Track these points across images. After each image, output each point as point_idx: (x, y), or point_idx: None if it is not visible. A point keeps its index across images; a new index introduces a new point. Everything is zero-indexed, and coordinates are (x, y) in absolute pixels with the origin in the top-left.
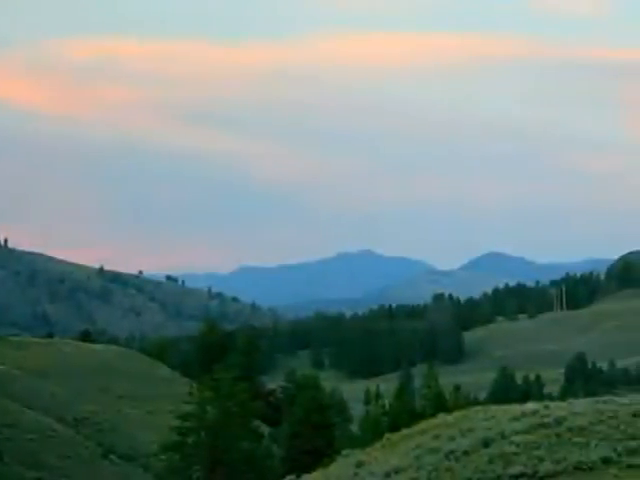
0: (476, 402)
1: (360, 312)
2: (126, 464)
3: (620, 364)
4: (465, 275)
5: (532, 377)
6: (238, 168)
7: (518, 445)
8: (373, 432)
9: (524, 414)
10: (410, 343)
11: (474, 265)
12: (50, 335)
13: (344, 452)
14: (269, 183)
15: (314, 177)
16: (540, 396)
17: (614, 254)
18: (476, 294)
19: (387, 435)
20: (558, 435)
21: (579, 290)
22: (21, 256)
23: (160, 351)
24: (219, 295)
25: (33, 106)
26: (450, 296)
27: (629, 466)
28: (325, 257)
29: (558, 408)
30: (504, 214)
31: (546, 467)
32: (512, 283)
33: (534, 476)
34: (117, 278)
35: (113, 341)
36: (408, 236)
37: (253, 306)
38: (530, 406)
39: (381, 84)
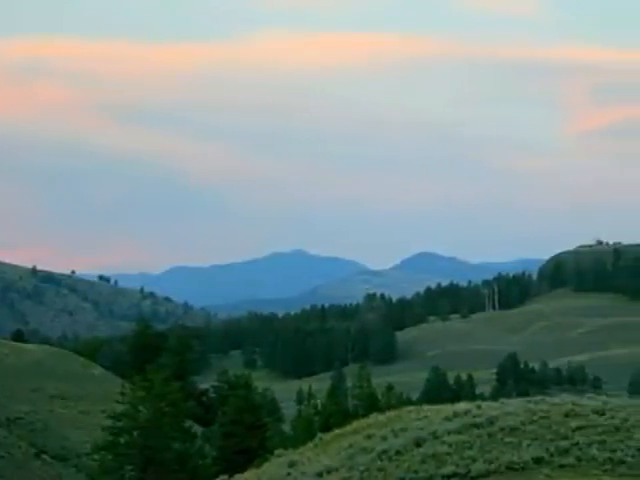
0: (408, 402)
1: (292, 312)
2: (59, 464)
3: (552, 364)
4: (397, 275)
5: (464, 377)
6: (171, 168)
7: (450, 445)
8: (305, 432)
9: (456, 414)
10: (342, 343)
11: (406, 265)
12: None
13: (276, 452)
14: (202, 183)
15: (247, 177)
16: (472, 396)
17: (545, 254)
18: (408, 294)
19: (319, 435)
20: (490, 435)
21: (511, 290)
22: None
23: (93, 351)
24: (152, 295)
25: None
26: (382, 296)
27: (561, 466)
28: (258, 257)
29: (490, 408)
30: (436, 214)
31: (478, 467)
32: (444, 283)
33: (466, 476)
34: (50, 278)
35: (46, 341)
36: (340, 236)
37: (186, 306)
38: (462, 406)
39: (310, 84)
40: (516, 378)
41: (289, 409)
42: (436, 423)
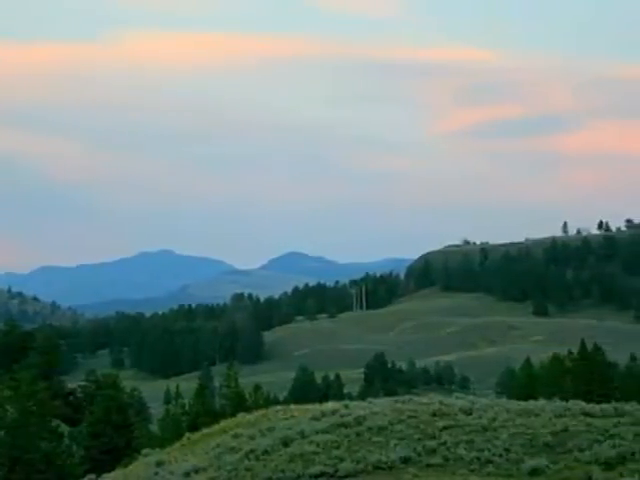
0: (276, 402)
1: (160, 312)
2: None
3: (420, 364)
4: (265, 275)
5: (332, 377)
6: (37, 168)
7: (318, 445)
8: (173, 432)
9: (324, 414)
10: (210, 342)
11: (274, 265)
12: None
13: (144, 452)
14: (69, 183)
15: (115, 176)
16: (340, 396)
17: (413, 254)
18: (276, 294)
19: (187, 434)
20: (358, 434)
21: (379, 290)
22: None
23: None
24: (19, 295)
25: None
26: (250, 296)
27: (428, 465)
28: (126, 257)
29: (358, 408)
30: (305, 214)
31: (346, 466)
32: (312, 283)
33: (334, 475)
34: None
35: None
36: (208, 236)
37: (53, 306)
38: (330, 406)
39: (178, 83)
40: (384, 378)
41: (157, 409)
42: (304, 423)
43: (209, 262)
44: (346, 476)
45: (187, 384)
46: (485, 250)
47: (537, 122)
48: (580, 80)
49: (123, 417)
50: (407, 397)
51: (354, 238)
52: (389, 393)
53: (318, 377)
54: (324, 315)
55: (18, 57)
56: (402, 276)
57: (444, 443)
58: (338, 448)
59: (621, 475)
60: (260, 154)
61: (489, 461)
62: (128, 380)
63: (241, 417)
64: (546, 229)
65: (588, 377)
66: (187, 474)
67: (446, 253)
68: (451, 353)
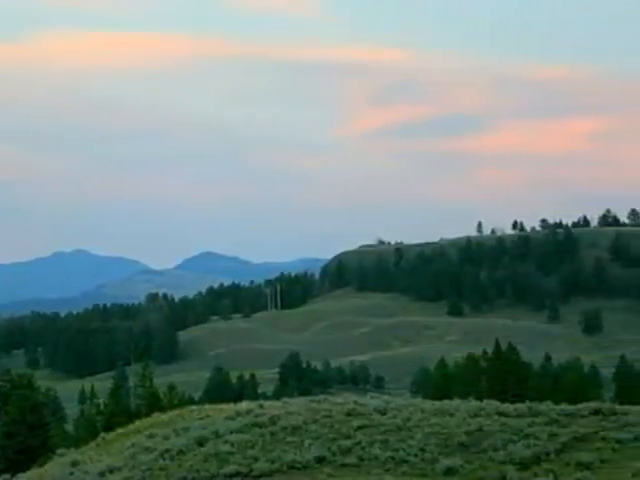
0: (191, 401)
1: (75, 312)
2: None
3: (335, 363)
4: (180, 274)
5: (247, 376)
6: None
7: (233, 444)
8: (88, 431)
9: (239, 413)
10: (125, 342)
11: (189, 264)
12: None
13: (59, 451)
14: None
15: (30, 176)
16: (255, 395)
17: (328, 254)
18: (191, 293)
19: (102, 434)
20: (273, 434)
21: (293, 290)
22: None
23: None
24: None
25: None
26: (165, 295)
27: (343, 465)
28: (40, 256)
29: (272, 407)
30: (219, 214)
31: (261, 466)
32: (227, 283)
33: (249, 475)
34: None
35: None
36: (123, 236)
37: None
38: (245, 405)
39: (95, 84)
40: (298, 377)
41: (72, 409)
42: (218, 422)
43: (124, 262)
44: (261, 476)
45: (102, 384)
46: (400, 250)
47: (450, 122)
48: (492, 80)
49: (38, 417)
50: (322, 397)
51: (269, 238)
52: (304, 393)
53: (233, 377)
54: (239, 315)
55: None
56: (317, 276)
57: (359, 443)
58: (253, 448)
59: (535, 475)
60: (176, 154)
61: (404, 461)
62: (43, 380)
63: (156, 417)
64: (461, 229)
65: (503, 377)
66: (102, 474)
67: (361, 253)
68: (366, 353)
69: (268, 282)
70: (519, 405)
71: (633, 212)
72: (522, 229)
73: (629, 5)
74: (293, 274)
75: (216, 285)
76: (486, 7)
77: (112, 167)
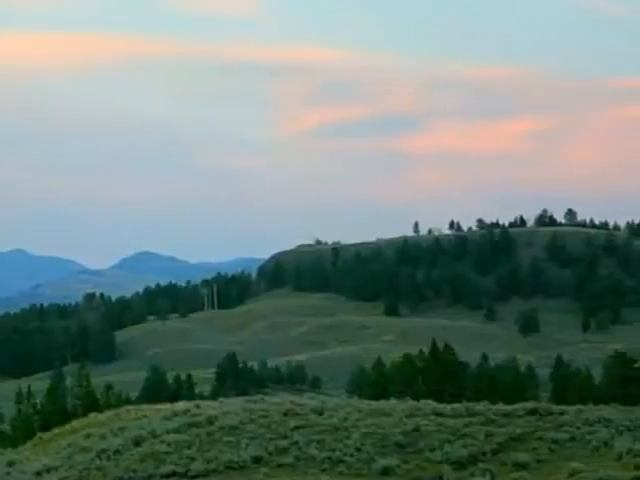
0: (128, 401)
1: (12, 312)
2: None
3: (271, 363)
4: (116, 274)
5: (183, 376)
6: None
7: (169, 444)
8: (25, 431)
9: (175, 413)
10: (62, 342)
11: (125, 264)
12: None
13: None
14: None
15: None
16: (191, 395)
17: (265, 253)
18: (128, 293)
19: (39, 434)
20: (209, 434)
21: (230, 290)
22: None
23: None
24: None
25: None
26: (102, 295)
27: (280, 465)
28: None
29: (209, 407)
30: (156, 214)
31: (197, 466)
32: (164, 283)
33: (185, 475)
34: None
35: None
36: (60, 235)
37: None
38: (181, 405)
39: (29, 82)
40: (235, 377)
41: (8, 409)
42: (155, 422)
43: (61, 262)
44: (197, 476)
45: (39, 384)
46: (337, 250)
47: (385, 122)
48: (429, 80)
49: None
50: (258, 397)
51: (206, 238)
52: (241, 393)
53: (170, 377)
54: (175, 315)
55: None
56: (254, 276)
57: (295, 443)
58: (189, 448)
59: (472, 475)
60: (112, 154)
61: (340, 460)
62: None
63: (93, 417)
64: (397, 229)
65: (439, 377)
66: (39, 473)
67: (297, 253)
68: (302, 353)
69: (205, 282)
70: (456, 405)
71: (570, 212)
72: (459, 229)
73: (566, 4)
74: (230, 274)
75: (153, 285)
76: (424, 8)
77: (49, 167)
